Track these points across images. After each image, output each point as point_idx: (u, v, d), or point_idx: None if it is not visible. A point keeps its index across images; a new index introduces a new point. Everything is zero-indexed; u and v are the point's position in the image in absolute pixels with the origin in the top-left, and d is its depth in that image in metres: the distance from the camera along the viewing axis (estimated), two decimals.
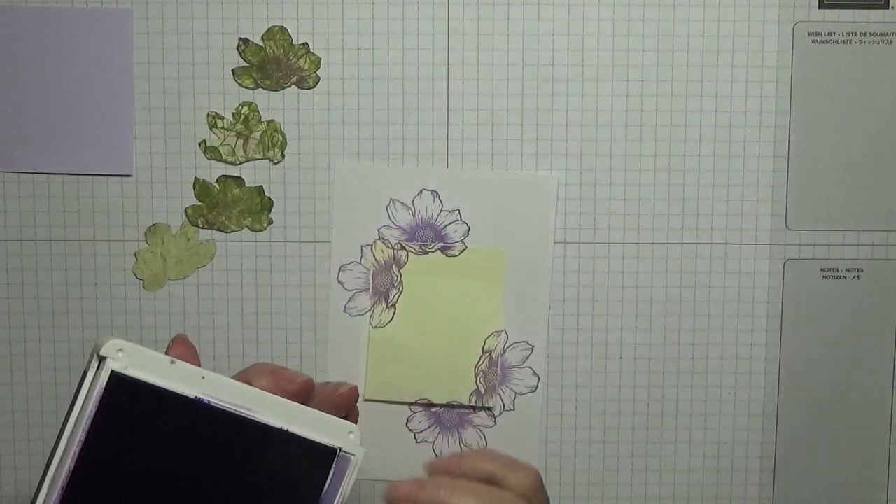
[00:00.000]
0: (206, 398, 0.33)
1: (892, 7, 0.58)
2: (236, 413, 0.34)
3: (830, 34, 0.59)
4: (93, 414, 0.32)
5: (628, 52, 0.59)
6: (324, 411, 0.36)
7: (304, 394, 0.36)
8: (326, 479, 0.35)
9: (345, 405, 0.38)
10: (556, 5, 0.59)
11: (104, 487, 0.32)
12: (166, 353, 0.35)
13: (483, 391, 0.61)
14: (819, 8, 0.58)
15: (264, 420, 0.34)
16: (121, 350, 0.33)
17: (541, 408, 0.61)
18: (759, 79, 0.59)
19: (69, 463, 0.32)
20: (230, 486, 0.34)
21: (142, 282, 0.61)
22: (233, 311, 0.61)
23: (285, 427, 0.34)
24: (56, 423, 0.62)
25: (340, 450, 0.35)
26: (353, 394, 0.38)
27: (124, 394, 0.32)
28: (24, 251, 0.61)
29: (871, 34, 0.59)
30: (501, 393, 0.61)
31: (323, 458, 0.35)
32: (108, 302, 0.61)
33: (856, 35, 0.59)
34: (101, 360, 0.32)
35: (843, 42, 0.59)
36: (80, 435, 0.32)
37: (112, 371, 0.32)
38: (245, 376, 0.36)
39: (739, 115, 0.59)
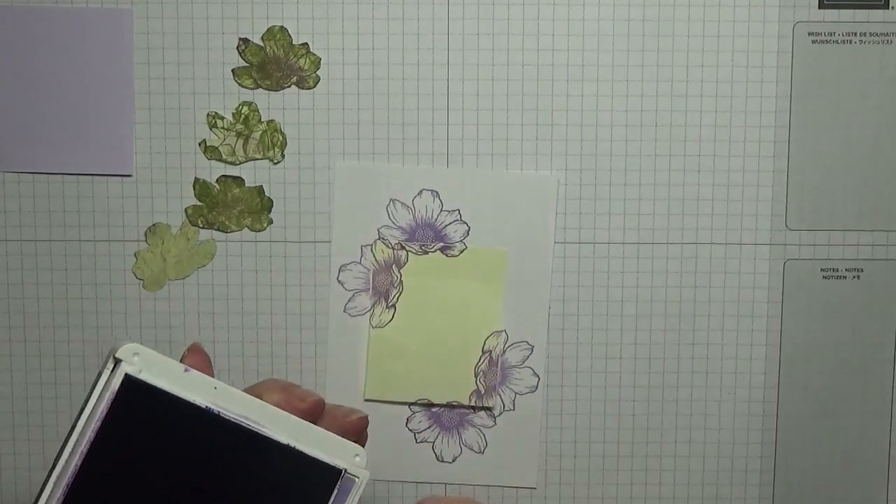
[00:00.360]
0: (216, 408, 0.34)
1: (892, 7, 0.58)
2: (244, 426, 0.34)
3: (830, 34, 0.59)
4: (103, 415, 0.32)
5: (628, 52, 0.59)
6: (332, 431, 0.36)
7: (314, 413, 0.36)
8: (329, 499, 0.35)
9: (353, 432, 0.37)
10: (556, 5, 0.59)
11: (108, 488, 0.33)
12: (181, 360, 0.35)
13: (483, 391, 0.61)
14: (819, 8, 0.58)
15: (271, 435, 0.34)
16: (136, 354, 0.33)
17: (541, 408, 0.61)
18: (759, 79, 0.59)
19: (76, 461, 0.32)
20: (232, 497, 0.34)
21: (142, 282, 0.61)
22: (233, 311, 0.61)
23: (292, 443, 0.35)
24: (56, 423, 0.62)
25: (345, 471, 0.35)
26: (363, 423, 0.38)
27: (136, 397, 0.33)
28: (24, 251, 0.61)
29: (871, 34, 0.59)
30: (501, 393, 0.61)
31: (327, 477, 0.35)
32: (108, 302, 0.61)
33: (856, 35, 0.59)
34: (117, 362, 0.33)
35: (843, 42, 0.59)
36: (90, 434, 0.32)
37: (126, 374, 0.33)
38: (256, 390, 0.36)
39: (739, 115, 0.59)
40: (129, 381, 0.33)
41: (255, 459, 0.34)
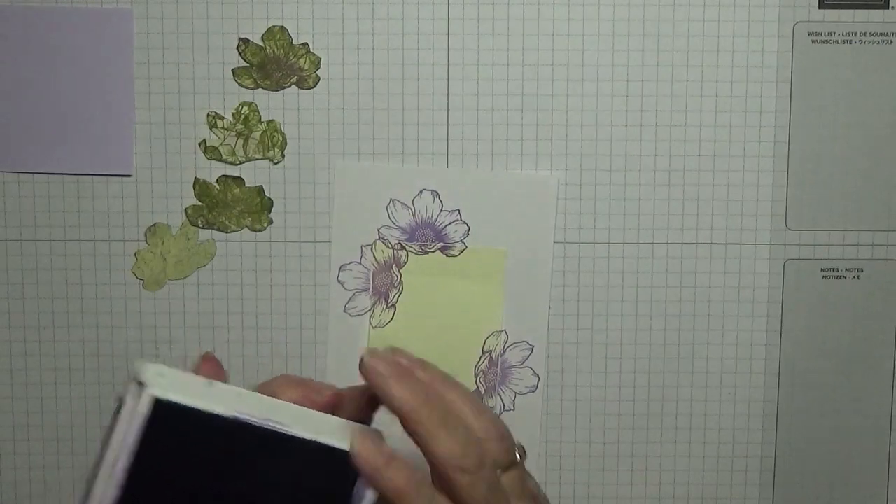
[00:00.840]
0: (242, 416, 0.34)
1: (892, 7, 0.58)
2: (270, 428, 0.34)
3: (830, 34, 0.59)
4: (136, 441, 0.32)
5: (628, 52, 0.59)
6: (353, 415, 0.36)
7: (333, 405, 0.37)
8: (354, 486, 0.35)
9: (369, 402, 0.37)
10: (556, 5, 0.59)
11: None
12: (196, 370, 0.35)
13: (483, 391, 0.61)
14: (819, 8, 0.58)
15: (296, 433, 0.35)
16: (161, 375, 0.33)
17: (541, 408, 0.61)
18: (759, 79, 0.59)
19: (113, 492, 0.32)
20: (268, 498, 0.34)
21: (142, 282, 0.61)
22: (233, 311, 0.61)
23: (316, 438, 0.35)
24: (56, 423, 0.62)
25: None
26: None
27: (165, 418, 0.33)
28: (24, 251, 0.61)
29: (871, 34, 0.59)
30: (501, 393, 0.61)
31: (351, 466, 0.35)
32: (108, 302, 0.61)
33: (856, 35, 0.59)
34: (141, 385, 0.33)
35: (843, 42, 0.59)
36: (123, 462, 0.32)
37: (154, 397, 0.33)
38: (270, 388, 0.37)
39: (739, 115, 0.59)
40: (157, 403, 0.33)
41: (284, 458, 0.35)
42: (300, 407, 0.35)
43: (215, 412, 0.34)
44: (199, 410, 0.33)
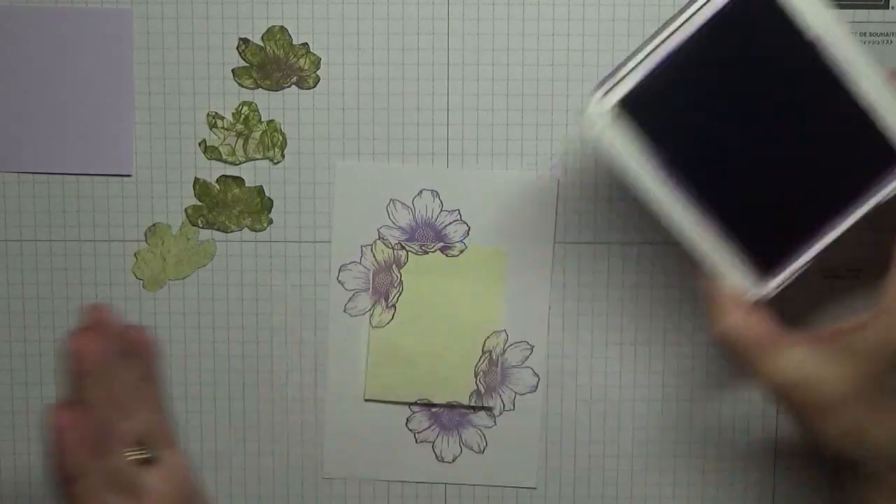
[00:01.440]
0: (820, 44, 0.31)
1: (892, 7, 0.58)
2: (839, 73, 0.31)
3: None
4: (705, 19, 0.30)
5: (628, 53, 0.59)
6: None
7: None
8: (881, 186, 0.33)
9: None
10: (555, 5, 0.59)
11: (691, 78, 0.30)
12: None
13: (483, 391, 0.61)
14: None
15: (858, 91, 0.31)
16: None
17: (541, 408, 0.61)
18: None
19: (673, 45, 0.30)
20: (791, 135, 0.31)
21: (142, 282, 0.61)
22: (233, 311, 0.61)
23: (872, 109, 0.32)
24: None
25: None
26: None
27: (749, 8, 0.30)
28: (24, 251, 0.61)
29: (871, 34, 0.58)
30: (501, 393, 0.61)
31: (886, 160, 0.32)
32: (108, 302, 0.61)
33: (856, 35, 0.58)
34: None
35: None
36: (682, 35, 0.31)
37: None
38: None
39: None
40: None
41: (830, 107, 0.31)
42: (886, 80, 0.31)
43: (799, 26, 0.31)
44: (787, 14, 0.30)
